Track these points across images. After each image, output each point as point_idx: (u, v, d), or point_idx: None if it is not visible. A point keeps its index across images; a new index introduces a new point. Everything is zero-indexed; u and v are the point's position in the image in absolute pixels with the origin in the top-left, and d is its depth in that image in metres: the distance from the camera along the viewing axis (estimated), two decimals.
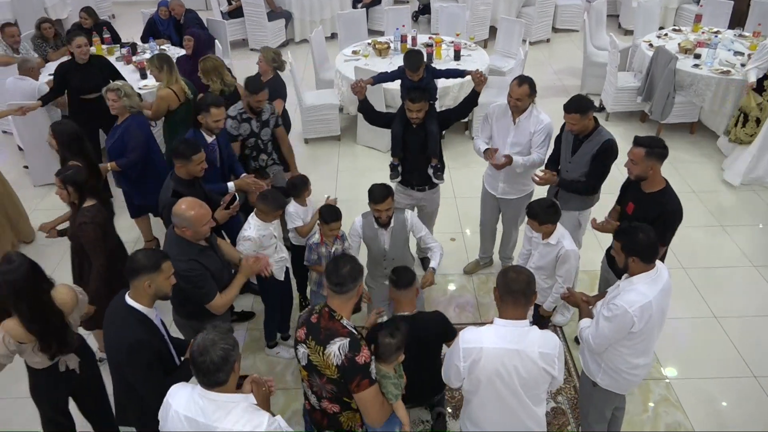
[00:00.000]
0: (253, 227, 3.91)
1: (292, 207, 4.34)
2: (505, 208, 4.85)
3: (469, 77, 6.76)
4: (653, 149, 3.47)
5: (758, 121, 6.14)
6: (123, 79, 5.76)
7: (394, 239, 4.09)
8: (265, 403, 2.48)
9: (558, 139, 4.42)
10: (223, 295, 3.38)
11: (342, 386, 2.64)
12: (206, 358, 2.28)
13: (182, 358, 3.01)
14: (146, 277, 2.76)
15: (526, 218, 3.86)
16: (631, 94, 7.30)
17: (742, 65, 6.61)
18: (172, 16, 8.02)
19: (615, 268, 3.89)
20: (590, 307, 3.28)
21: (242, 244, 3.88)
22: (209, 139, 4.39)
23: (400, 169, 4.69)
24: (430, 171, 4.62)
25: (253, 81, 4.60)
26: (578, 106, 4.00)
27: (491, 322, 2.69)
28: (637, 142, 3.54)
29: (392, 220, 4.02)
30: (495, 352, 2.61)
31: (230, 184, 4.42)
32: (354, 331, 2.66)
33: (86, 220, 3.63)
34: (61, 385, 3.33)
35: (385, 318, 3.55)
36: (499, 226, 5.09)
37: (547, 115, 4.41)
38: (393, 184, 4.87)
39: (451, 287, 5.17)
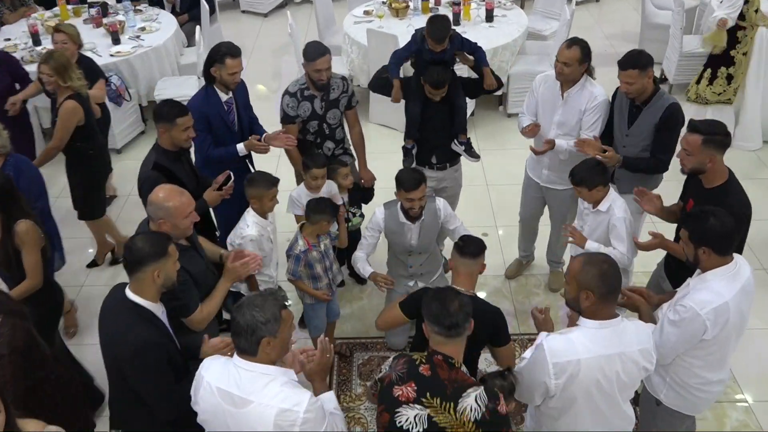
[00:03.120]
0: (251, 224, 3.85)
1: (296, 192, 4.33)
2: (550, 199, 4.80)
3: (505, 42, 6.77)
4: (713, 137, 3.36)
5: (729, 79, 6.29)
6: None
7: (424, 233, 4.08)
8: (322, 374, 2.70)
9: (609, 110, 4.34)
10: (204, 306, 3.30)
11: None
12: (237, 317, 2.44)
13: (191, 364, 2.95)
14: (153, 266, 2.79)
15: (575, 189, 3.90)
16: (699, 62, 7.15)
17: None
18: None
19: (672, 275, 3.82)
20: (652, 305, 3.25)
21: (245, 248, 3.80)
22: (224, 96, 4.33)
23: (415, 151, 4.66)
24: (460, 148, 4.59)
25: (310, 45, 4.38)
26: (636, 60, 3.93)
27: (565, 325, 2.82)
28: (693, 127, 3.44)
29: (422, 213, 4.01)
30: (594, 362, 2.63)
31: (239, 146, 4.36)
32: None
33: (2, 351, 2.97)
34: None
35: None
36: (545, 223, 5.03)
37: (603, 90, 4.33)
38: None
39: (483, 292, 5.13)
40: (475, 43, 4.58)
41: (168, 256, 2.84)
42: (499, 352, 3.39)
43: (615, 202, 3.87)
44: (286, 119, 4.52)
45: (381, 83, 4.66)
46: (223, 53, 4.21)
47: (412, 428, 2.46)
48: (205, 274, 3.40)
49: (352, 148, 4.91)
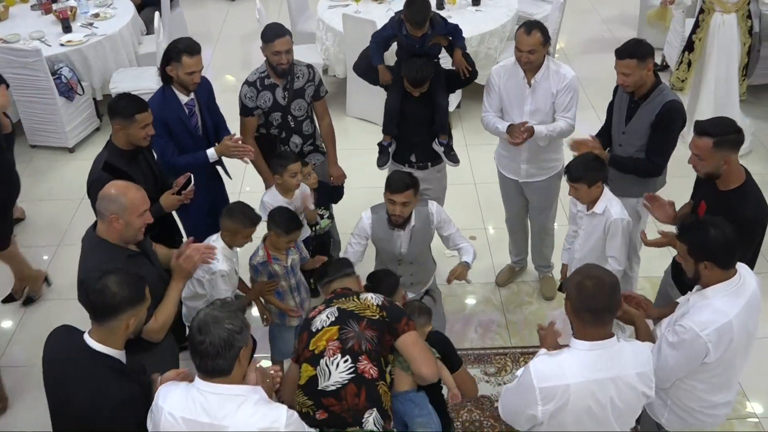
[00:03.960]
0: (221, 258, 3.71)
1: (269, 196, 4.28)
2: (531, 193, 4.79)
3: (493, 27, 6.77)
4: (724, 137, 3.30)
5: (689, 65, 6.47)
6: None
7: (415, 240, 4.06)
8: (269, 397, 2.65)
9: (610, 106, 4.36)
10: (157, 314, 3.22)
11: (384, 330, 2.90)
12: (206, 339, 2.40)
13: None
14: (129, 313, 2.68)
15: (568, 189, 3.88)
16: None
17: None
18: None
19: (681, 283, 3.78)
20: (651, 319, 3.22)
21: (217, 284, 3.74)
22: (184, 98, 4.26)
23: (392, 149, 4.63)
24: (440, 149, 4.57)
25: (268, 26, 4.38)
26: (634, 49, 3.92)
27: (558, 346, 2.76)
28: (701, 129, 3.36)
29: (412, 218, 4.00)
30: (585, 386, 2.59)
31: (209, 152, 4.28)
32: None
33: None
34: None
35: None
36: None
37: (569, 68, 4.38)
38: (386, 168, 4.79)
39: (471, 300, 5.13)
40: (456, 25, 4.53)
41: (146, 301, 2.77)
42: (455, 378, 3.28)
43: (611, 203, 3.86)
44: (244, 111, 4.49)
45: (366, 65, 4.60)
46: (180, 50, 4.13)
47: (326, 324, 2.91)
48: (157, 282, 3.31)
49: (323, 145, 4.86)
